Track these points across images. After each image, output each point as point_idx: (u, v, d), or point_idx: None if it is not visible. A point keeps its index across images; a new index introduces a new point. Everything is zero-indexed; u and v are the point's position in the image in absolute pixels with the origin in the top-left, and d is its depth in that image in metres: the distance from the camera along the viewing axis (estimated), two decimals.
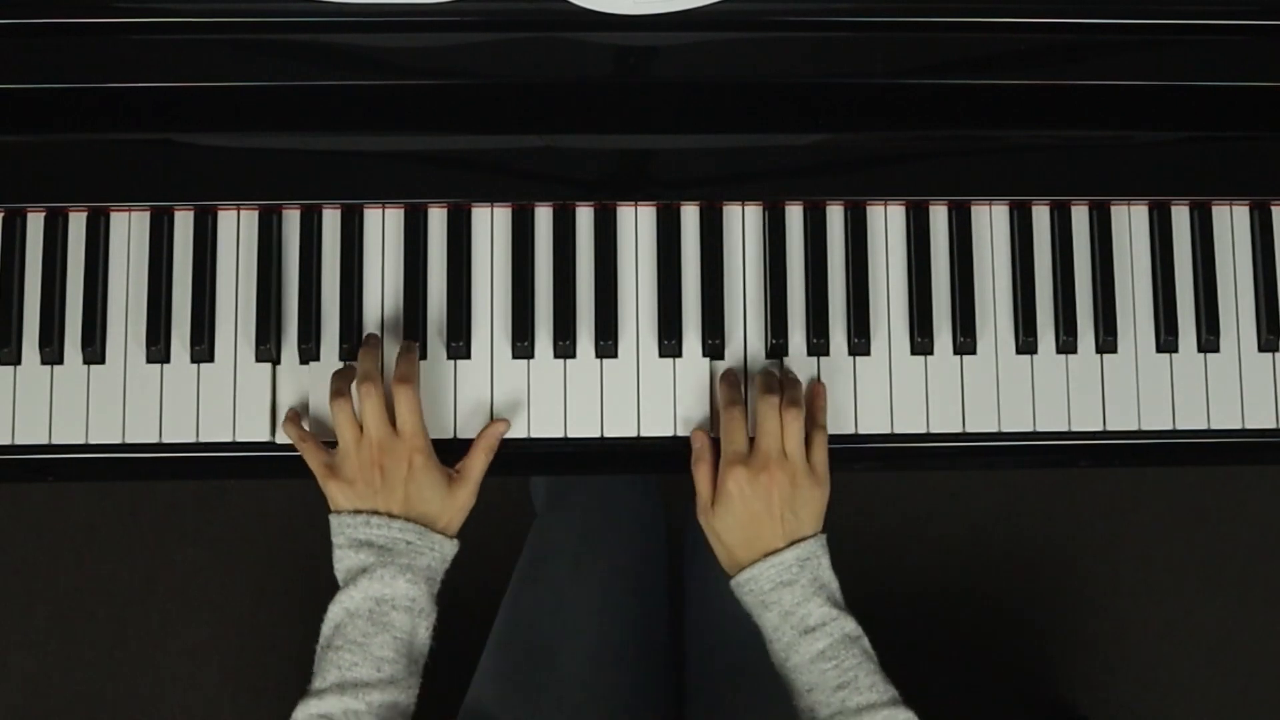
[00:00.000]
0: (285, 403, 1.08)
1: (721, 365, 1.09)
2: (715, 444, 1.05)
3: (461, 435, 1.07)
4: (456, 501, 1.02)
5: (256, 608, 1.79)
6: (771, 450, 1.00)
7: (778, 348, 1.09)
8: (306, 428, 1.06)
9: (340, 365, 1.08)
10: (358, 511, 0.99)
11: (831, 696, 0.96)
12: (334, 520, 1.00)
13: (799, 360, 1.09)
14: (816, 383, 1.07)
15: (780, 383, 1.05)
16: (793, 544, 0.99)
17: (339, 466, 1.01)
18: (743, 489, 1.00)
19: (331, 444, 1.04)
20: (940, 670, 1.76)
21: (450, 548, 1.01)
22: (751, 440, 1.02)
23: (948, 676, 1.76)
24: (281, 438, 1.07)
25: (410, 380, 1.01)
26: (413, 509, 0.99)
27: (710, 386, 1.09)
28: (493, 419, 1.07)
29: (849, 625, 0.98)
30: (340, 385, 1.03)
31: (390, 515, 0.99)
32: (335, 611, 0.97)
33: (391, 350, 1.08)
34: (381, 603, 0.97)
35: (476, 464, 1.04)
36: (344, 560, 0.99)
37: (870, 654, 0.99)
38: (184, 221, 1.10)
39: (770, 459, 1.00)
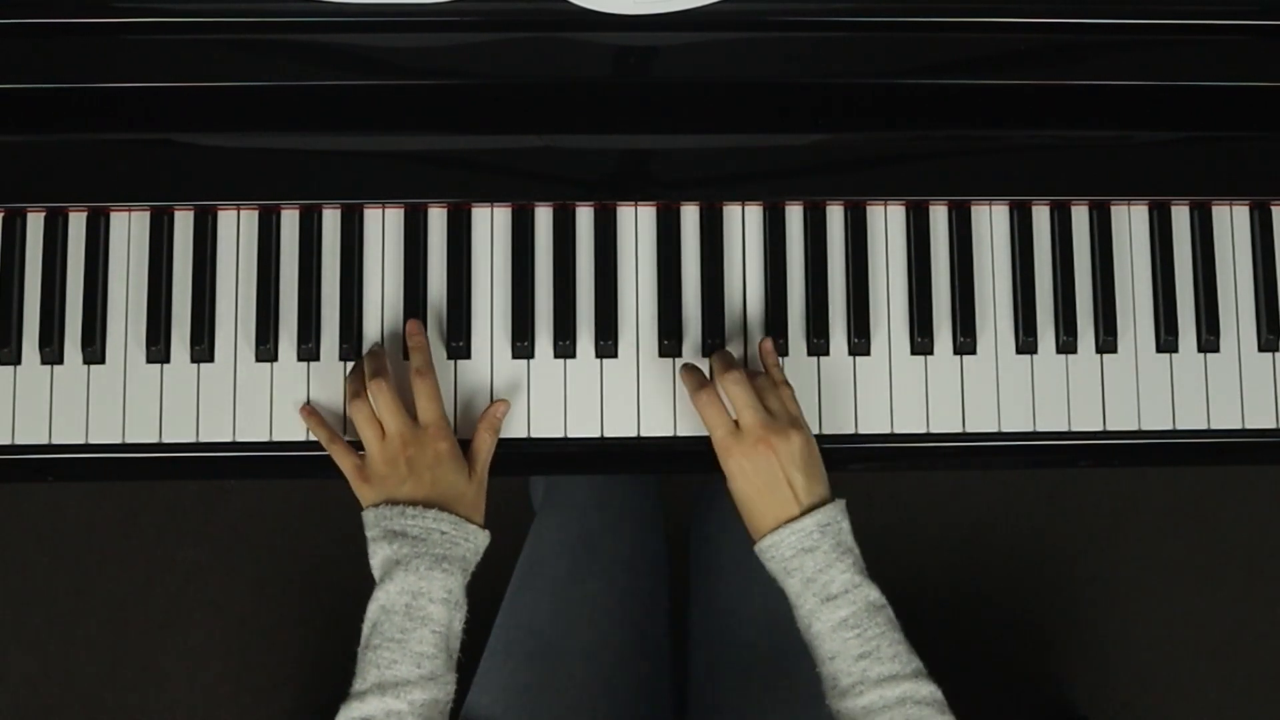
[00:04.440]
0: (285, 403, 1.08)
1: None
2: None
3: (462, 435, 1.07)
4: (475, 483, 1.02)
5: (256, 608, 1.78)
6: (758, 419, 1.00)
7: (778, 348, 1.09)
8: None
9: (343, 364, 1.08)
10: (391, 503, 0.99)
11: (853, 665, 0.95)
12: (367, 515, 1.00)
13: (799, 360, 1.09)
14: (763, 340, 1.07)
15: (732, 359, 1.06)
16: (813, 509, 0.99)
17: (367, 467, 1.02)
18: (743, 466, 1.00)
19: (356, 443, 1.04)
20: (939, 670, 1.75)
21: (483, 538, 1.01)
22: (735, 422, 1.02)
23: (947, 676, 1.76)
24: (280, 436, 1.07)
25: (427, 371, 1.03)
26: (441, 494, 1.00)
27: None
28: (493, 400, 1.07)
29: (873, 593, 0.98)
30: (356, 387, 1.04)
31: (424, 505, 0.99)
32: (372, 610, 0.97)
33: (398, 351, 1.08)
34: (418, 596, 0.96)
35: (483, 444, 1.04)
36: (378, 553, 0.98)
37: (894, 623, 0.98)
38: (184, 221, 1.10)
39: (758, 427, 1.00)
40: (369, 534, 1.00)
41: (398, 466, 1.00)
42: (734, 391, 1.01)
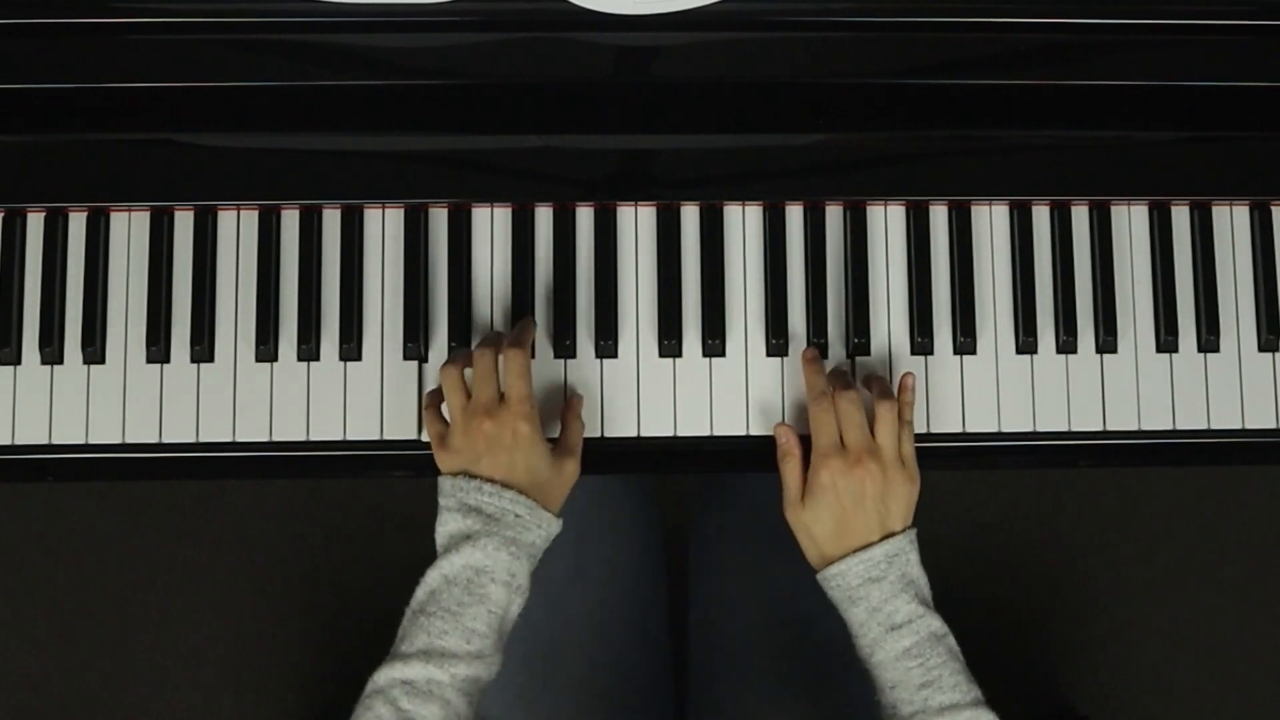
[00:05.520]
0: (285, 402, 1.08)
1: (721, 365, 1.09)
2: (801, 440, 1.05)
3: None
4: (565, 472, 1.02)
5: (256, 608, 1.78)
6: (862, 442, 1.00)
7: (778, 347, 1.09)
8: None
9: (343, 364, 1.08)
10: (470, 476, 0.98)
11: (915, 695, 0.96)
12: (444, 482, 0.99)
13: (798, 359, 1.09)
14: (906, 374, 1.06)
15: (869, 380, 1.06)
16: (883, 539, 0.99)
17: (449, 435, 1.00)
18: (836, 481, 1.00)
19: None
20: None
21: (556, 526, 1.00)
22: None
23: None
24: (280, 437, 1.07)
25: (522, 345, 1.01)
26: (519, 478, 0.98)
27: (709, 386, 1.09)
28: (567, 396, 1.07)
29: (935, 623, 0.98)
30: (455, 355, 1.03)
31: (503, 484, 0.98)
32: (432, 577, 0.96)
33: None
34: (481, 573, 0.96)
35: (574, 434, 1.04)
36: (448, 523, 0.97)
37: (956, 653, 0.99)
38: (184, 221, 1.10)
39: (863, 451, 1.00)
40: (442, 502, 0.99)
41: (475, 439, 0.98)
42: (846, 409, 1.01)
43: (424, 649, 0.94)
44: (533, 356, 1.08)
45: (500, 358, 1.01)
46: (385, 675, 0.93)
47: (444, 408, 1.04)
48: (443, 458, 1.01)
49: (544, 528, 0.99)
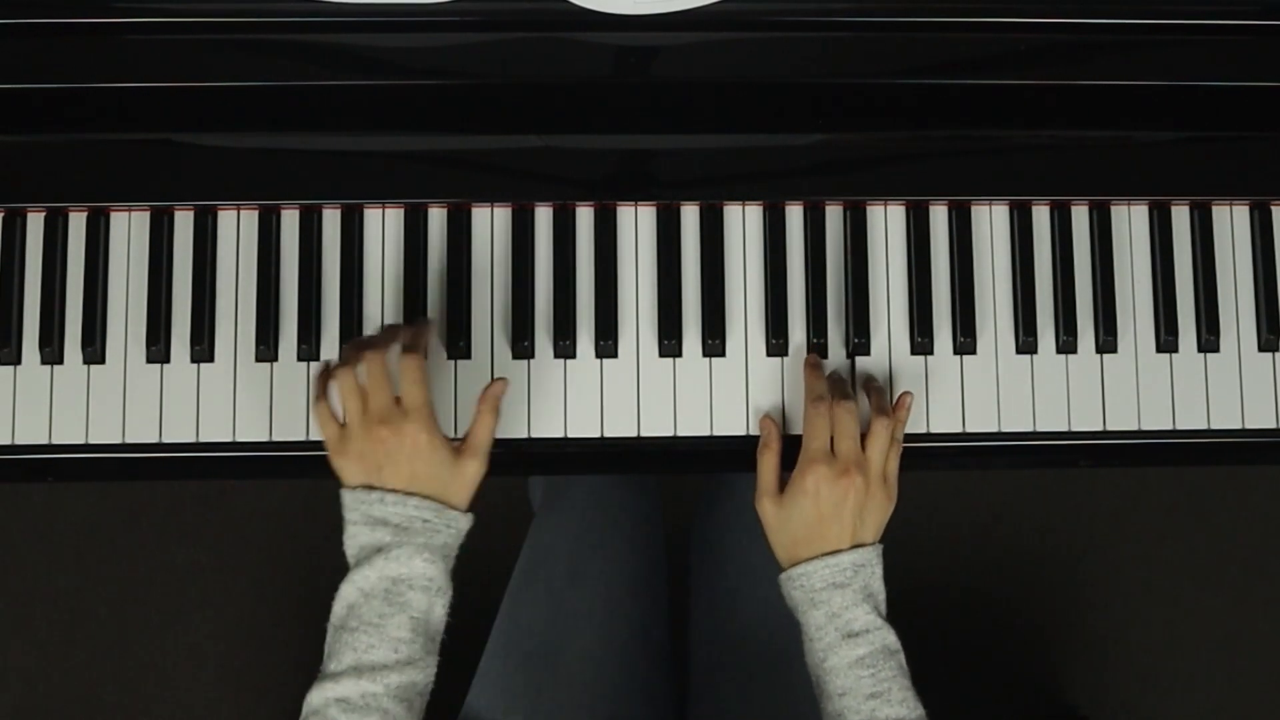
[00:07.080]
0: (285, 402, 1.08)
1: (721, 365, 1.09)
2: (783, 437, 1.06)
3: (463, 435, 1.07)
4: (465, 475, 0.99)
5: (256, 608, 1.78)
6: (853, 454, 1.01)
7: (778, 347, 1.09)
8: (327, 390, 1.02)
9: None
10: (370, 488, 0.97)
11: (863, 704, 0.96)
12: (347, 496, 0.97)
13: (799, 359, 1.09)
14: (905, 394, 1.07)
15: (868, 387, 1.06)
16: (852, 548, 1.00)
17: (346, 440, 0.98)
18: (820, 487, 1.00)
19: None
20: (939, 670, 1.76)
21: (465, 522, 0.98)
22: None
23: (947, 677, 1.76)
24: (280, 436, 1.07)
25: (416, 350, 0.99)
26: (420, 486, 0.97)
27: (709, 386, 1.09)
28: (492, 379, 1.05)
29: (890, 637, 0.99)
30: (351, 355, 1.00)
31: (405, 493, 0.96)
32: (348, 591, 0.95)
33: None
34: (398, 582, 0.95)
35: (482, 432, 1.01)
36: (358, 537, 0.96)
37: (905, 670, 0.99)
38: (184, 221, 1.10)
39: (851, 463, 1.00)
40: (347, 516, 0.97)
41: (375, 449, 0.96)
42: (842, 418, 1.01)
43: (353, 665, 0.93)
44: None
45: (401, 361, 0.98)
46: (319, 696, 0.93)
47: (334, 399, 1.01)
48: (342, 465, 0.98)
49: (453, 526, 0.98)
